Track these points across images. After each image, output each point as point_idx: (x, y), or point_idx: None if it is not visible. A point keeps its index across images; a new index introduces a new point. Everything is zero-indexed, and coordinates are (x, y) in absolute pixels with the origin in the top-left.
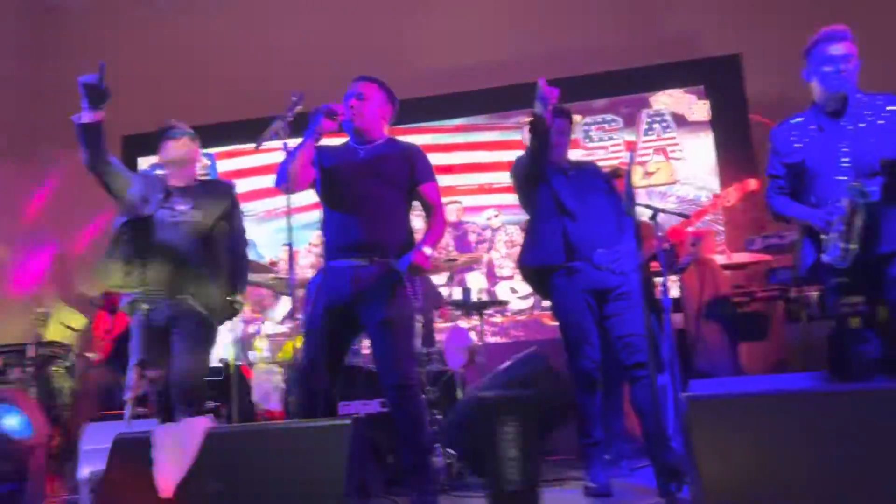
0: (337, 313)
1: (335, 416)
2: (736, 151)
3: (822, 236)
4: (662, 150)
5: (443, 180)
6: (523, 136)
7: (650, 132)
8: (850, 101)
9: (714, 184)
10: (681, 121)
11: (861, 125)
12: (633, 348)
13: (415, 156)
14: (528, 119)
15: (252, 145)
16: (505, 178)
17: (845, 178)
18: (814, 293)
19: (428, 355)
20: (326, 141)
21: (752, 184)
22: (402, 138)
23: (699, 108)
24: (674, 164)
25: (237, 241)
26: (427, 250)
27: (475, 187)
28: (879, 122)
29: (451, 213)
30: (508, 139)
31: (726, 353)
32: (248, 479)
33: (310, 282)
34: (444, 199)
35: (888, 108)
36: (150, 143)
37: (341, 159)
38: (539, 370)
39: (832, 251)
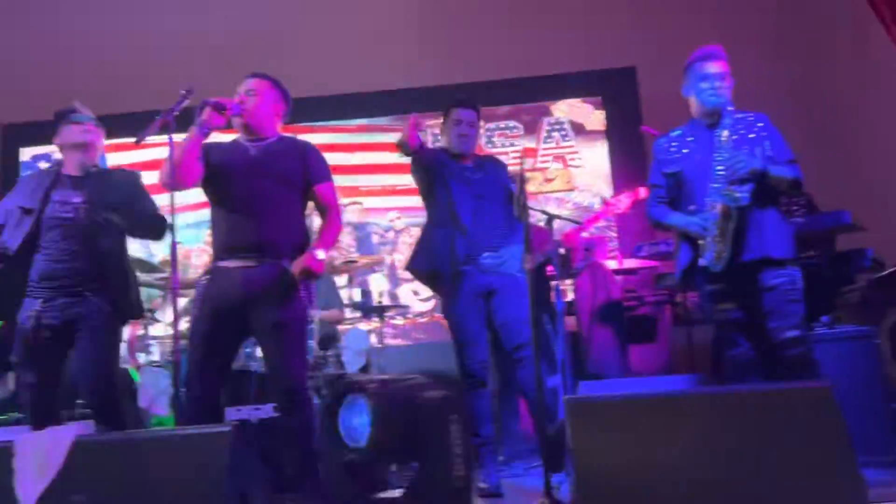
0: (225, 316)
1: (220, 423)
2: (629, 160)
3: (699, 241)
4: (561, 158)
5: (345, 181)
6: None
7: (549, 140)
8: (724, 115)
9: (608, 191)
10: (579, 129)
11: (734, 137)
12: (512, 331)
13: (309, 154)
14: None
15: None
16: (408, 179)
17: (719, 185)
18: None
19: (325, 358)
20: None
21: (643, 192)
22: (302, 136)
23: (596, 118)
24: (572, 172)
25: (148, 213)
26: (320, 254)
27: (378, 188)
28: (750, 135)
29: (353, 214)
30: None
31: (617, 354)
32: (118, 491)
33: (198, 282)
34: (346, 200)
35: (758, 124)
36: (31, 132)
37: (231, 156)
38: None
39: (707, 255)
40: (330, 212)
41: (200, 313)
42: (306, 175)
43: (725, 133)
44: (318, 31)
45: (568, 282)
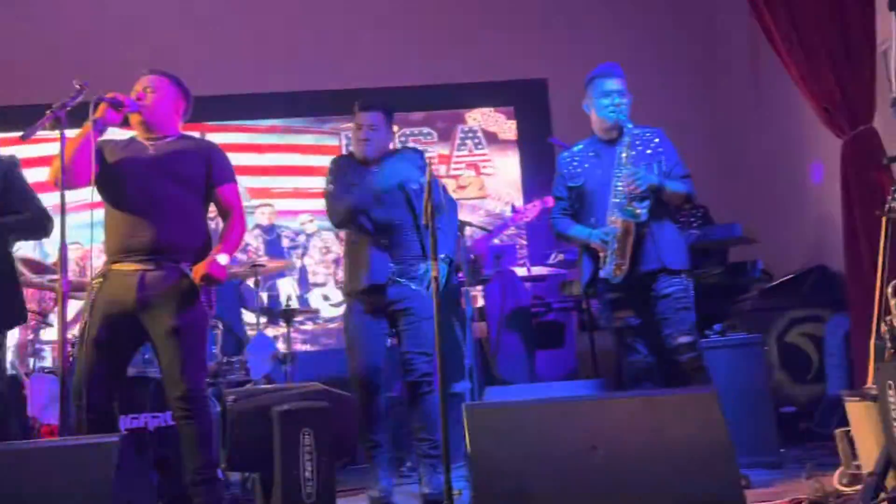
0: (118, 320)
1: (113, 432)
2: (539, 170)
3: (601, 254)
4: (474, 166)
5: (256, 182)
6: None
7: (463, 147)
8: (624, 131)
9: (519, 199)
10: (492, 138)
11: (633, 153)
12: (411, 366)
13: (212, 154)
14: None
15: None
16: (320, 183)
17: (619, 200)
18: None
19: (229, 364)
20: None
21: (551, 201)
22: (214, 136)
23: (509, 127)
24: (484, 180)
25: (24, 201)
26: (222, 259)
27: (290, 190)
28: (648, 151)
29: (263, 217)
30: (325, 143)
31: (524, 360)
32: None
33: (90, 285)
34: (255, 202)
35: (655, 139)
36: None
37: (127, 155)
38: None
39: (607, 268)
40: (233, 214)
41: (91, 318)
42: (209, 176)
43: (625, 152)
44: (231, 30)
45: (478, 288)
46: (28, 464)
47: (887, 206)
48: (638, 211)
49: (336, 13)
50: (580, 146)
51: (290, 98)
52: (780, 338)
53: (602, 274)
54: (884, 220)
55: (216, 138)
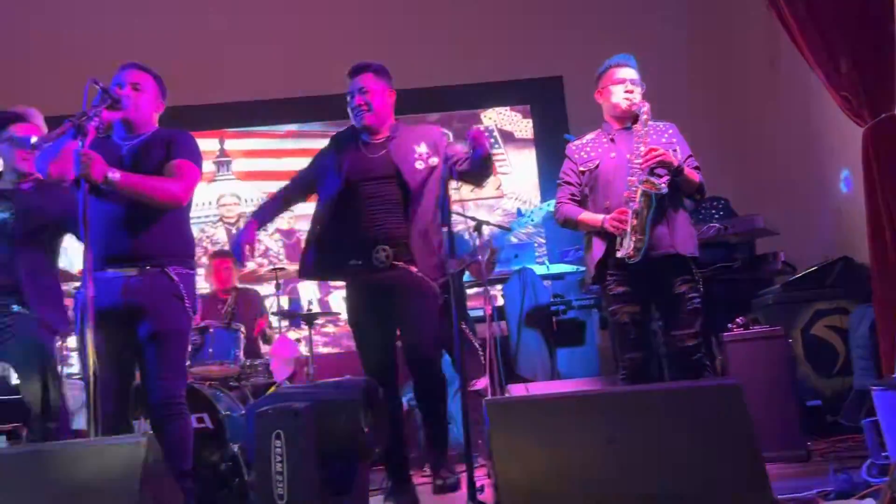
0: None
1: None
2: (556, 167)
3: (617, 235)
4: None
5: (275, 186)
6: None
7: None
8: (638, 118)
9: (536, 198)
10: (508, 137)
11: (648, 129)
12: None
13: (174, 138)
14: None
15: None
16: None
17: (637, 176)
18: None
19: (252, 367)
20: None
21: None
22: (232, 142)
23: (525, 126)
24: (501, 179)
25: None
26: (112, 174)
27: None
28: (662, 140)
29: (283, 221)
30: None
31: (545, 358)
32: None
33: (76, 294)
34: None
35: (668, 131)
36: None
37: (103, 157)
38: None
39: (625, 246)
40: (177, 171)
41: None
42: (168, 158)
43: (642, 128)
44: (246, 37)
45: (497, 287)
46: (59, 463)
47: None
48: (658, 184)
49: (349, 16)
50: (592, 136)
51: (306, 103)
52: (805, 331)
53: (620, 253)
54: None
55: (236, 144)
